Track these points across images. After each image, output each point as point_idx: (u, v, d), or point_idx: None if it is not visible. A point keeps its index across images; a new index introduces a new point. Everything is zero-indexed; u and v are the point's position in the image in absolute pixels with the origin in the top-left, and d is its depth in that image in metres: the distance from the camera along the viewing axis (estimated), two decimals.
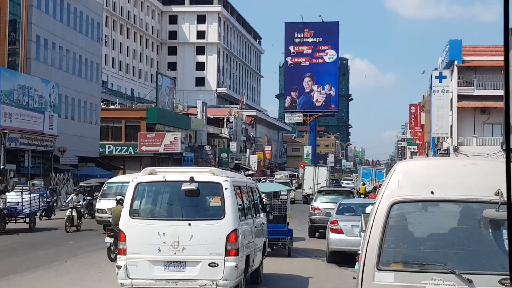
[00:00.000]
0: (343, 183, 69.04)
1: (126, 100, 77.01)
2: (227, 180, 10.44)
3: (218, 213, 10.33)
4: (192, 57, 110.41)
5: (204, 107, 77.80)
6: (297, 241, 20.03)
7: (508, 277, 4.06)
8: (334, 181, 69.95)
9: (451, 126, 54.25)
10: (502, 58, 47.01)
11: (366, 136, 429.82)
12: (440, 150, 56.64)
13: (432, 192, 5.21)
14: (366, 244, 5.22)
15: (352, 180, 73.12)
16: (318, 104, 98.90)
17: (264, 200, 15.98)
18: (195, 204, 10.52)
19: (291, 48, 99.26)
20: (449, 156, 51.41)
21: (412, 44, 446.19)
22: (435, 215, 5.46)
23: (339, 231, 15.80)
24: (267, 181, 47.63)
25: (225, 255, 10.06)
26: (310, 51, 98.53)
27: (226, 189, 10.29)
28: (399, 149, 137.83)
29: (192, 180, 10.13)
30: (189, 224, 10.16)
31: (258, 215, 12.70)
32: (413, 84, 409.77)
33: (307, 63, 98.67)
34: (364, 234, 5.49)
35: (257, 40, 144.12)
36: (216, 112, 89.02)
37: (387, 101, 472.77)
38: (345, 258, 15.86)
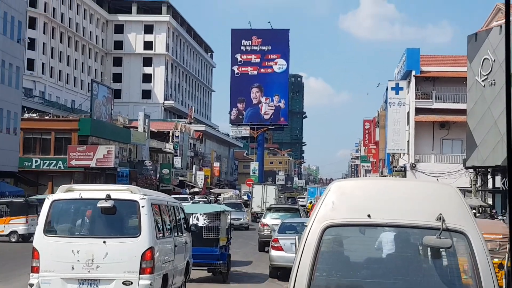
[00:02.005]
0: (299, 201, 70.08)
1: (64, 112, 71.61)
2: (144, 198, 10.44)
3: (134, 231, 10.36)
4: (139, 69, 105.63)
5: (147, 119, 72.99)
6: (242, 266, 20.30)
7: None
8: (291, 199, 72.03)
9: (408, 141, 50.91)
10: (463, 69, 43.96)
11: (320, 154, 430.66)
12: (396, 167, 53.00)
13: (369, 216, 4.82)
14: (295, 272, 4.78)
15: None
16: (266, 116, 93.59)
17: (205, 221, 16.84)
18: (111, 222, 10.58)
19: (238, 56, 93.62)
20: (405, 174, 48.01)
21: (367, 64, 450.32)
22: (372, 241, 5.05)
23: (279, 249, 17.03)
24: (201, 202, 42.34)
25: (140, 273, 10.07)
26: (258, 60, 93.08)
27: (143, 207, 10.30)
28: (353, 167, 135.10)
29: (108, 197, 10.21)
30: (104, 242, 10.18)
31: (180, 234, 12.69)
32: (368, 103, 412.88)
33: (255, 72, 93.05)
34: (294, 261, 4.91)
35: (209, 54, 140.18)
36: (161, 125, 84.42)
37: (341, 120, 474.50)
38: (286, 274, 15.64)
